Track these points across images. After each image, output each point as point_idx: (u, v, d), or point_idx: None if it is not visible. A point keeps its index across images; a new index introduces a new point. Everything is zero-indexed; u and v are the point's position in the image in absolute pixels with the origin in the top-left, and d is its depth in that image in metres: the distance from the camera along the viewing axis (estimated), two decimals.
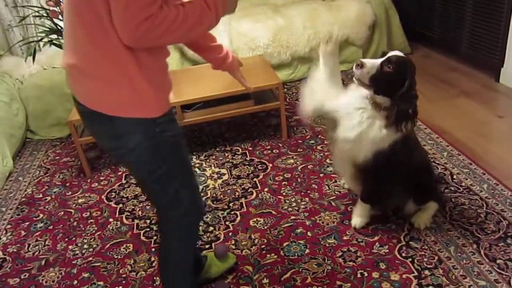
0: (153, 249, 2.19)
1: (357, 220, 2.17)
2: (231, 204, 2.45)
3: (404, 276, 1.89)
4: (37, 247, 2.30)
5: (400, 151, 1.88)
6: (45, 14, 2.93)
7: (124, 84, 1.30)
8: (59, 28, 2.91)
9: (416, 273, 1.89)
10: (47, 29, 2.93)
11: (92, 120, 1.41)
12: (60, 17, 2.84)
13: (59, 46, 2.98)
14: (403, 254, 2.00)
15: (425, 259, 1.96)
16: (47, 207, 2.61)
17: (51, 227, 2.43)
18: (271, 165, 2.78)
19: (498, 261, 1.90)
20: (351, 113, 1.89)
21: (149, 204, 2.52)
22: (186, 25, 1.26)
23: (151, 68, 1.33)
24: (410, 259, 1.97)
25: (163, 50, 1.41)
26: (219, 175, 2.74)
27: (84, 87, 1.37)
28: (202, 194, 2.56)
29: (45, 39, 2.97)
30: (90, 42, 1.28)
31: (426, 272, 1.89)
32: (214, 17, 1.33)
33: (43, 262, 2.19)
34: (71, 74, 1.38)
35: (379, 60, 1.78)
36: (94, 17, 1.23)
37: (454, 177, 2.47)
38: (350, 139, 1.89)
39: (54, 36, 2.95)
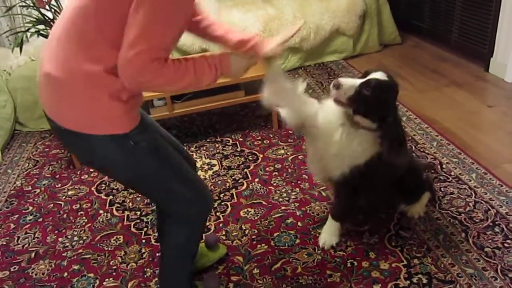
0: (143, 241, 2.19)
1: (326, 239, 2.03)
2: (221, 195, 2.45)
3: (393, 265, 1.90)
4: (26, 239, 2.28)
5: (378, 165, 1.81)
6: (32, 4, 2.89)
7: (95, 104, 1.32)
8: (47, 18, 2.87)
9: (405, 262, 1.91)
10: (35, 20, 2.89)
11: (66, 136, 1.43)
12: (47, 7, 2.80)
13: (47, 37, 2.94)
14: (393, 243, 2.01)
15: (414, 248, 1.97)
16: (36, 199, 2.59)
17: (40, 220, 2.42)
18: (261, 155, 2.77)
19: (486, 249, 1.93)
20: (330, 129, 1.81)
21: (139, 195, 2.51)
22: (185, 81, 1.32)
23: (127, 90, 1.34)
24: (399, 248, 1.98)
25: None
26: (209, 166, 2.73)
27: (55, 103, 1.38)
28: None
29: (33, 30, 2.93)
30: (78, 57, 1.29)
31: (415, 260, 1.91)
32: (213, 77, 1.38)
33: (33, 255, 2.18)
34: (45, 85, 1.38)
35: (358, 81, 1.68)
36: (95, 35, 1.25)
37: (444, 166, 2.49)
38: (329, 155, 1.84)
39: (41, 27, 2.91)
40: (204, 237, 2.06)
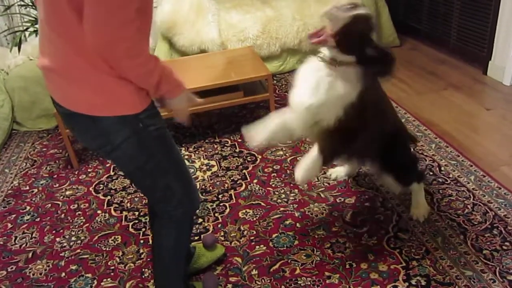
0: (141, 241, 2.18)
1: (301, 173, 1.84)
2: (220, 196, 2.45)
3: (392, 266, 1.90)
4: (24, 239, 2.27)
5: (370, 100, 1.77)
6: (30, 3, 2.88)
7: (101, 84, 1.30)
8: None
9: (404, 264, 1.91)
10: (33, 19, 2.89)
11: (74, 121, 1.41)
12: None
13: None
14: (391, 245, 2.01)
15: (413, 250, 1.98)
16: (34, 199, 2.58)
17: (38, 220, 2.41)
18: (260, 156, 2.77)
19: (484, 252, 1.93)
20: (308, 78, 1.77)
21: (138, 196, 2.51)
22: (147, 67, 1.29)
23: None
24: (398, 250, 1.98)
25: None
26: (208, 166, 2.73)
27: (61, 89, 1.36)
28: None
29: (31, 29, 2.93)
30: (66, 44, 1.27)
31: (414, 262, 1.91)
32: (154, 85, 1.34)
33: (30, 255, 2.17)
34: (48, 76, 1.37)
35: (347, 14, 1.64)
36: (72, 16, 1.21)
37: (442, 168, 2.49)
38: (320, 106, 1.74)
39: None
40: (202, 237, 2.06)
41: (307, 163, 1.84)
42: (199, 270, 1.95)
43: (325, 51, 1.77)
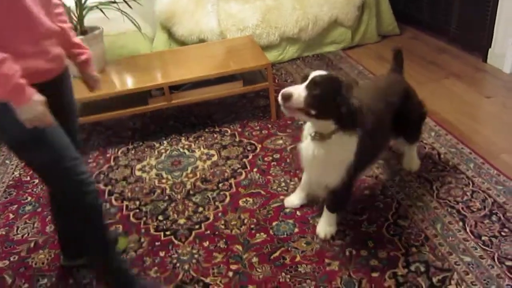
0: (143, 230, 2.19)
1: (326, 229, 2.04)
2: (220, 185, 2.46)
3: (391, 253, 1.92)
4: (26, 229, 2.29)
5: (366, 147, 1.84)
6: None
7: None
8: None
9: (403, 250, 1.92)
10: None
11: None
12: None
13: None
14: (391, 232, 2.03)
15: (412, 237, 1.99)
16: (35, 189, 2.59)
17: (39, 210, 2.42)
18: (260, 145, 2.78)
19: (483, 238, 1.94)
20: (312, 157, 1.85)
21: (138, 186, 2.52)
22: None
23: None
24: (397, 237, 1.99)
25: None
26: (208, 156, 2.74)
27: None
28: (191, 174, 2.56)
29: None
30: None
31: (413, 249, 1.92)
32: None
33: (32, 245, 2.18)
34: None
35: (303, 86, 1.67)
36: None
37: (442, 156, 2.50)
38: (322, 174, 1.92)
39: None
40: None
41: (325, 220, 2.06)
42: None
43: (310, 128, 1.84)
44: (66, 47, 1.65)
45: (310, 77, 1.68)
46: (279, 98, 1.67)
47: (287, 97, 1.64)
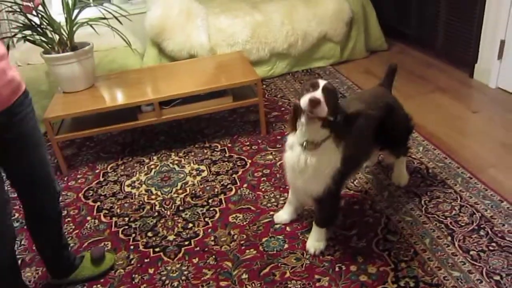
0: (131, 247, 2.18)
1: (315, 244, 2.04)
2: (210, 201, 2.45)
3: (381, 268, 1.92)
4: None
5: (350, 152, 1.86)
6: (18, 10, 2.87)
7: None
8: (33, 23, 2.85)
9: (392, 266, 1.93)
10: (21, 25, 2.87)
11: None
12: (34, 12, 2.78)
13: (33, 42, 2.93)
14: (380, 247, 2.03)
15: (401, 252, 2.00)
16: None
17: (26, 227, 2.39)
18: (250, 161, 2.78)
19: (471, 252, 1.95)
20: (297, 163, 1.85)
21: (128, 202, 2.51)
22: None
23: None
24: (386, 252, 2.00)
25: None
26: (198, 171, 2.73)
27: None
28: (180, 190, 2.55)
29: (19, 35, 2.91)
30: None
31: (403, 264, 1.93)
32: None
33: (19, 262, 2.15)
34: None
35: (319, 93, 1.65)
36: None
37: (430, 171, 2.52)
38: (308, 181, 1.89)
39: (28, 32, 2.89)
40: (91, 250, 2.09)
41: (314, 235, 2.07)
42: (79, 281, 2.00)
43: (297, 137, 1.83)
44: None
45: (321, 85, 1.68)
46: (306, 104, 1.62)
47: (317, 103, 1.61)
